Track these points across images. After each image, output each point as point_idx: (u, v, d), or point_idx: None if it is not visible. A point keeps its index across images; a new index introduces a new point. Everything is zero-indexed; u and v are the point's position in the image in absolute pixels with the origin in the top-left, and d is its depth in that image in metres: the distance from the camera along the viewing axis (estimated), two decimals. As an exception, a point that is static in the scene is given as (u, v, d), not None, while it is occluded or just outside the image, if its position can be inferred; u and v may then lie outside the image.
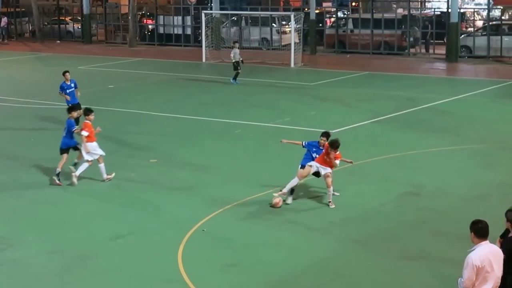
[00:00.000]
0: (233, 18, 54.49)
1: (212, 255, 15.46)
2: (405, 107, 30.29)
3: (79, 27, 63.49)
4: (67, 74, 27.10)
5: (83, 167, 20.54)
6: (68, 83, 26.92)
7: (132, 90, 36.26)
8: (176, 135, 26.28)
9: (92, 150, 20.54)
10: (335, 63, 45.82)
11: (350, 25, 50.61)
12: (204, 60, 47.41)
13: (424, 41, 49.38)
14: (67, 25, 65.32)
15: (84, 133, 20.41)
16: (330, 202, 18.26)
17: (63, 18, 65.85)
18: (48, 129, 27.92)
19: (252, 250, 15.73)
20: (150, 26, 59.44)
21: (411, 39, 48.92)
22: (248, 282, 14.16)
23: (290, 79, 39.08)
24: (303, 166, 18.30)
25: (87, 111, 20.99)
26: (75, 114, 21.54)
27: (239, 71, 37.66)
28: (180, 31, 57.01)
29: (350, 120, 27.98)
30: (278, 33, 52.67)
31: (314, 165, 18.07)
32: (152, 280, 14.30)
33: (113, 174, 20.76)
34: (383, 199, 18.81)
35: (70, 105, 26.43)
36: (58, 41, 62.68)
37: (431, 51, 48.70)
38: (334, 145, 17.92)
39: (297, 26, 45.25)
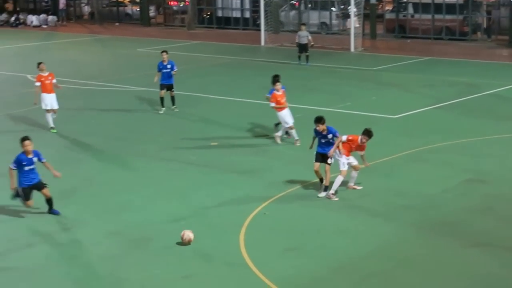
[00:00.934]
0: (292, 1, 54.16)
1: (273, 238, 15.36)
2: (467, 93, 29.78)
3: (138, 9, 63.72)
4: (164, 54, 27.11)
5: (293, 133, 22.23)
6: (165, 63, 26.95)
7: (190, 73, 36.25)
8: (236, 119, 26.18)
9: (284, 118, 22.01)
10: (395, 48, 45.26)
11: (411, 10, 49.91)
12: (262, 43, 47.26)
13: (486, 26, 48.54)
14: (125, 8, 65.65)
15: (272, 104, 21.87)
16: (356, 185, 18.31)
17: (122, 1, 66.21)
18: (108, 110, 28.09)
19: (314, 234, 15.58)
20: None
21: (473, 24, 48.09)
22: (310, 266, 14.02)
23: (350, 64, 38.70)
24: (318, 154, 18.01)
25: (274, 80, 22.36)
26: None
27: (299, 54, 37.79)
28: (238, 15, 56.86)
29: (411, 105, 27.59)
30: (338, 17, 52.19)
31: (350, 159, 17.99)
32: (214, 262, 14.26)
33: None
34: (446, 185, 18.49)
35: (161, 84, 26.75)
36: (117, 23, 63.00)
37: (493, 36, 47.85)
38: (371, 134, 17.92)
39: (357, 10, 44.75)
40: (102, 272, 14.02)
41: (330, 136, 17.84)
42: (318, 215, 16.72)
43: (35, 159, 16.62)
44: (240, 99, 29.61)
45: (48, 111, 24.57)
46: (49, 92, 24.37)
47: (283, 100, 22.15)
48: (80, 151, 22.52)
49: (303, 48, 38.06)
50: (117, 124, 25.90)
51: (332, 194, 17.57)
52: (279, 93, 22.16)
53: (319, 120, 17.99)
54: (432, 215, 16.57)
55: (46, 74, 24.45)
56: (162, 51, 27.34)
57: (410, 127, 24.47)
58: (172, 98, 27.22)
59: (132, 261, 14.41)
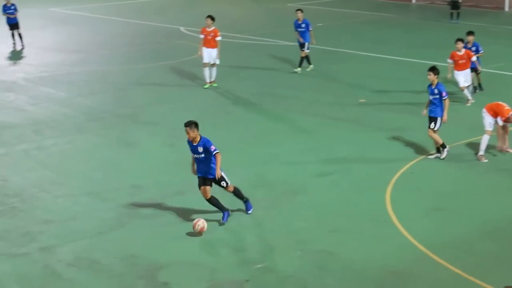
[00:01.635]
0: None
1: (419, 197, 15.32)
2: None
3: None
4: (299, 12, 26.92)
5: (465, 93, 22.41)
6: (300, 22, 26.88)
7: (340, 29, 36.26)
8: (384, 76, 26.05)
9: (457, 77, 22.24)
10: (552, 7, 43.59)
11: None
12: (413, 1, 46.48)
13: None
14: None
15: (449, 61, 22.18)
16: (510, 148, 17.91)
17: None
18: (257, 65, 28.44)
19: (460, 195, 15.45)
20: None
21: None
22: (455, 227, 13.90)
23: (504, 23, 37.60)
24: (430, 118, 17.54)
25: (457, 40, 22.36)
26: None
27: (452, 11, 37.56)
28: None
29: None
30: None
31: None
32: (359, 218, 14.35)
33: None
34: None
35: (299, 44, 26.74)
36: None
37: None
38: None
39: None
40: (246, 222, 14.31)
41: (436, 91, 17.36)
42: (465, 176, 16.56)
43: (200, 148, 14.01)
44: (388, 57, 29.38)
45: (205, 64, 24.97)
46: (209, 46, 24.69)
47: (461, 61, 21.85)
48: (230, 103, 22.98)
49: (455, 5, 37.47)
50: (265, 79, 26.21)
51: (481, 155, 17.29)
52: (460, 53, 21.96)
53: (432, 68, 17.54)
54: None
55: (209, 29, 24.74)
56: (297, 10, 27.23)
57: None
58: (302, 59, 26.96)
59: (276, 213, 14.69)
